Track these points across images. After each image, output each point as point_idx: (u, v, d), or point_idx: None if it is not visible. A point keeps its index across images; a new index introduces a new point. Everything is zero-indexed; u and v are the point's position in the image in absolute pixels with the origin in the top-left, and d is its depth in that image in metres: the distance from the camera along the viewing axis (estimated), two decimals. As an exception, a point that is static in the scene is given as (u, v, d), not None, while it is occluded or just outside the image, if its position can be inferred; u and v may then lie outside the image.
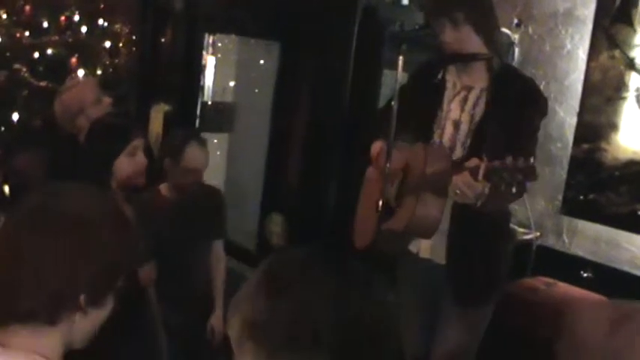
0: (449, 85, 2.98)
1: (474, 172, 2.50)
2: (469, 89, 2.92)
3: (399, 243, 3.02)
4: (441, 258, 2.94)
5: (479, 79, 2.91)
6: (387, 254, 3.11)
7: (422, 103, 2.97)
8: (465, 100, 2.91)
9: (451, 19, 2.82)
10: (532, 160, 2.79)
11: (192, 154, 3.50)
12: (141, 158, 3.04)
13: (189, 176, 3.52)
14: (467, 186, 2.54)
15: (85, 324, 1.51)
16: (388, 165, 2.83)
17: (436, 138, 2.95)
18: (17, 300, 1.44)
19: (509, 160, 2.41)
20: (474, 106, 2.88)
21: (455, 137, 2.90)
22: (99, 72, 4.90)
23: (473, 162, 2.55)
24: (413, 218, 2.79)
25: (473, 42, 2.85)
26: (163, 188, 3.66)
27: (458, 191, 2.59)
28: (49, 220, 1.49)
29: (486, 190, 2.54)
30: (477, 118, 2.86)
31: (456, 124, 2.90)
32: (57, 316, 1.46)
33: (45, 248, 1.46)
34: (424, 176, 2.77)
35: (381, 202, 2.84)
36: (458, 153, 2.88)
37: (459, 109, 2.91)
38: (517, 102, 2.82)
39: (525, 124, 2.84)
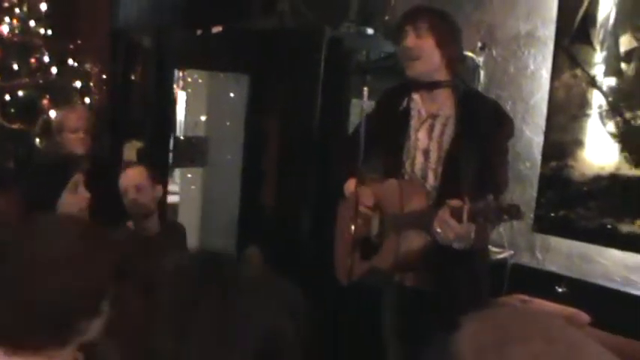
0: (414, 113, 2.99)
1: (457, 214, 2.52)
2: (435, 117, 2.94)
3: (385, 278, 3.03)
4: (426, 284, 2.94)
5: (444, 105, 2.94)
6: (372, 285, 3.14)
7: (388, 132, 3.00)
8: (431, 128, 2.94)
9: (415, 28, 2.88)
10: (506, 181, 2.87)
11: (123, 175, 3.72)
12: (82, 193, 3.02)
13: (125, 199, 3.65)
14: (449, 228, 2.56)
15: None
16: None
17: (407, 168, 2.97)
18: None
19: (490, 199, 2.44)
20: (442, 133, 2.91)
21: (426, 167, 2.92)
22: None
23: (455, 202, 2.55)
24: (398, 256, 2.81)
25: (433, 56, 2.89)
26: (130, 224, 3.74)
27: (439, 230, 2.61)
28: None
29: (472, 235, 2.57)
30: (446, 145, 2.89)
31: (426, 153, 2.92)
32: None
33: None
34: (403, 215, 2.79)
35: (357, 238, 2.88)
36: (431, 181, 2.91)
37: (427, 137, 2.93)
38: (484, 126, 2.86)
39: (495, 149, 2.90)
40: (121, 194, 3.67)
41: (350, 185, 3.09)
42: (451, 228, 2.55)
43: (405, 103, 3.02)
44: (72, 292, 1.55)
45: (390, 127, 3.01)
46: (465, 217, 2.48)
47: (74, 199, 3.00)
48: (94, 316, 1.59)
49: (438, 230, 2.61)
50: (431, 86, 2.94)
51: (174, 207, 5.49)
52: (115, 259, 1.66)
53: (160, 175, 3.94)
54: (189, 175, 5.42)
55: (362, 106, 2.82)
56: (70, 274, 1.56)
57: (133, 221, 3.73)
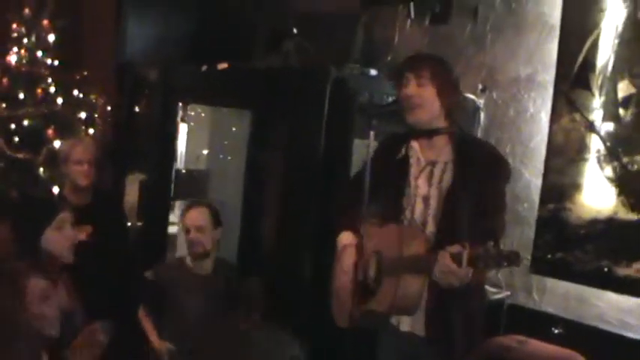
0: (412, 161, 3.03)
1: (456, 259, 2.57)
2: (433, 164, 2.98)
3: (381, 320, 3.05)
4: (422, 330, 2.96)
5: (442, 152, 2.98)
6: (369, 329, 3.16)
7: (389, 180, 3.03)
8: (430, 174, 2.97)
9: (417, 76, 2.92)
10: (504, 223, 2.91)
11: (184, 214, 3.88)
12: (68, 232, 3.00)
13: (186, 237, 3.83)
14: (450, 272, 2.61)
15: None
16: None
17: (407, 214, 2.99)
18: None
19: (490, 246, 2.50)
20: (440, 180, 2.94)
21: (426, 213, 2.95)
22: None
23: (455, 248, 2.60)
24: (396, 299, 2.83)
25: (434, 104, 2.93)
26: (187, 259, 3.91)
27: (439, 275, 2.66)
28: None
29: (469, 274, 2.61)
30: (445, 191, 2.92)
31: (426, 200, 2.95)
32: None
33: None
34: (402, 259, 2.82)
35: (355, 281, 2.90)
36: (430, 228, 2.93)
37: (427, 184, 2.97)
38: (481, 171, 2.89)
39: (492, 193, 2.93)
40: (183, 232, 3.84)
41: (343, 239, 3.14)
42: (451, 271, 2.60)
43: (403, 151, 3.06)
44: None
45: (390, 175, 3.04)
46: (464, 262, 2.53)
47: (59, 237, 2.97)
48: None
49: (438, 275, 2.66)
50: (429, 133, 2.98)
51: (173, 238, 5.51)
52: None
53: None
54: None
55: (367, 149, 2.85)
56: None
57: (191, 259, 3.86)
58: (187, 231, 3.81)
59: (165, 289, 3.81)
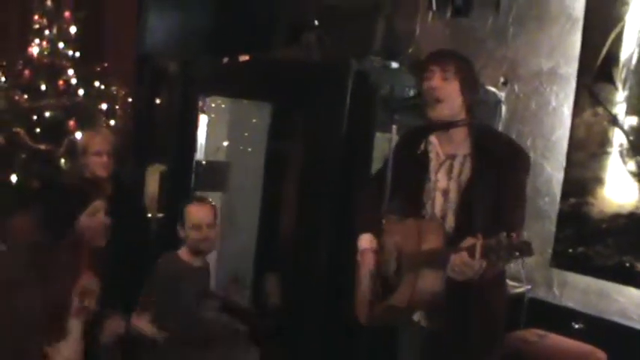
0: (432, 155, 3.02)
1: (470, 251, 2.57)
2: (453, 157, 2.97)
3: (402, 316, 3.05)
4: (444, 326, 2.95)
5: (460, 145, 2.97)
6: (391, 326, 3.17)
7: (408, 175, 3.02)
8: (450, 168, 2.96)
9: (442, 69, 2.92)
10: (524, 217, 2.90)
11: (190, 211, 3.76)
12: (101, 219, 3.08)
13: (195, 234, 3.72)
14: (465, 266, 2.61)
15: None
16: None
17: (427, 209, 2.99)
18: None
19: (503, 237, 2.49)
20: (460, 173, 2.94)
21: (446, 207, 2.94)
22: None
23: (469, 242, 2.61)
24: (415, 294, 2.83)
25: (457, 100, 2.92)
26: (183, 253, 3.82)
27: (457, 269, 2.65)
28: None
29: (483, 266, 2.60)
30: (464, 184, 2.92)
31: (445, 194, 2.95)
32: None
33: None
34: (421, 253, 2.83)
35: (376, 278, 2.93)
36: (450, 222, 2.92)
37: (446, 178, 2.96)
38: (500, 163, 2.88)
39: (511, 185, 2.91)
40: (190, 228, 3.75)
41: (362, 242, 3.13)
42: (464, 263, 2.61)
43: (422, 147, 3.05)
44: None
45: (410, 170, 3.04)
46: (477, 253, 2.53)
47: (92, 222, 3.05)
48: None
49: (453, 268, 2.67)
50: (448, 126, 2.97)
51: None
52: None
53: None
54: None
55: (389, 143, 2.85)
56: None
57: (192, 255, 3.80)
58: (198, 228, 3.77)
59: (165, 284, 3.78)
